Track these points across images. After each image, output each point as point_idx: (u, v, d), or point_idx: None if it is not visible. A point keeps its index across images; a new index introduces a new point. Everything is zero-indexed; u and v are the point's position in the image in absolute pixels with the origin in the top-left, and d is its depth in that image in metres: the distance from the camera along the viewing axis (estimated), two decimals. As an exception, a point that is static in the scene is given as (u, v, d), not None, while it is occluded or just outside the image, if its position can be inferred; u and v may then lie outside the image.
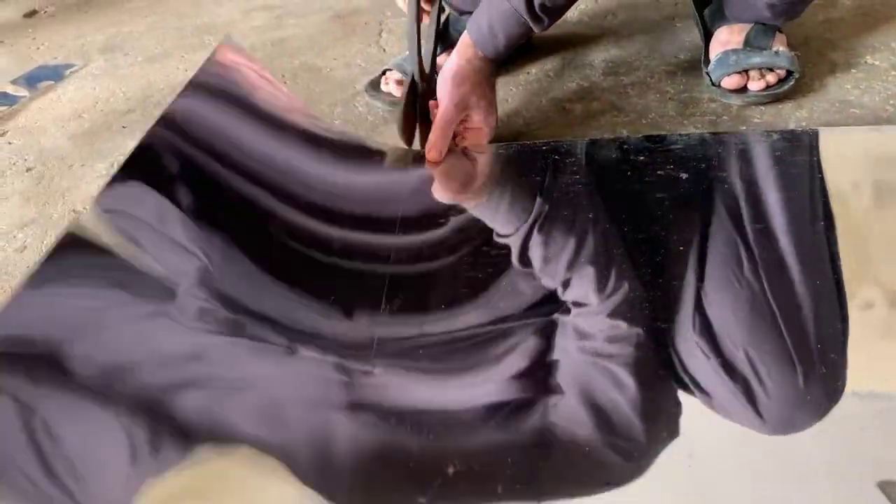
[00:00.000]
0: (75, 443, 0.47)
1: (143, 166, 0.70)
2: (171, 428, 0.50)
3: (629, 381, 0.50)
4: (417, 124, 0.84)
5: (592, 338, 0.55)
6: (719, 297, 0.55)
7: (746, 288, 0.55)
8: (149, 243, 0.66)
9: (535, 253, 0.65)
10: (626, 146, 0.78)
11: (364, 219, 0.73)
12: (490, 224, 0.70)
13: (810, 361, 0.49)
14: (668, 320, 0.55)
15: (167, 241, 0.68)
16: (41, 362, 0.51)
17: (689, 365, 0.51)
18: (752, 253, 0.58)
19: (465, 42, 0.81)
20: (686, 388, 0.49)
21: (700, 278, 0.57)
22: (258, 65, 0.92)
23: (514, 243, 0.66)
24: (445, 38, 0.97)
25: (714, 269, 0.58)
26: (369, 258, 0.68)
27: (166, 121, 0.75)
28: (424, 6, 0.90)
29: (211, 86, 0.81)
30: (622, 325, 0.55)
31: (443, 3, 0.97)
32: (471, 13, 0.82)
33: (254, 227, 0.71)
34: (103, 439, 0.48)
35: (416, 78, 0.83)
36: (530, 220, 0.68)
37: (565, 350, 0.54)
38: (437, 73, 0.84)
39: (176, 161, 0.75)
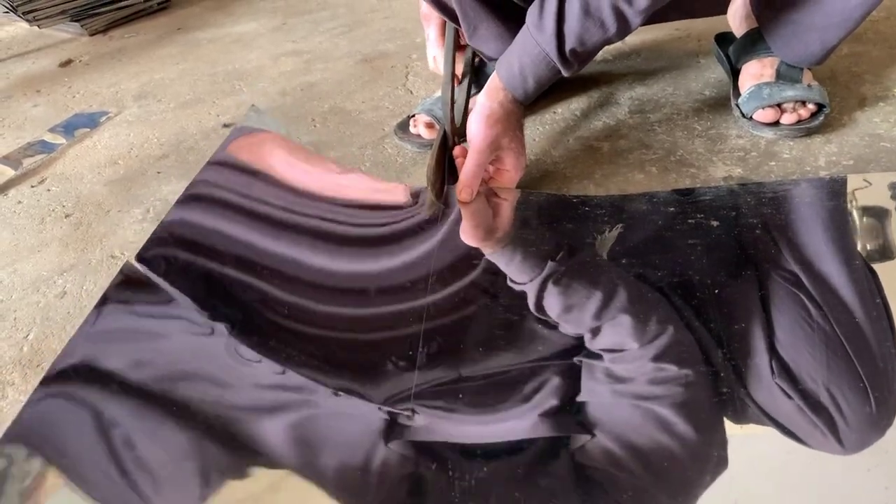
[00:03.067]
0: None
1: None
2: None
3: (676, 419, 0.52)
4: (447, 176, 0.85)
5: (631, 381, 0.56)
6: (793, 341, 0.58)
7: (819, 331, 0.58)
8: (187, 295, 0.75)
9: (552, 302, 0.66)
10: (655, 199, 0.78)
11: (398, 269, 0.75)
12: (505, 270, 0.71)
13: (880, 388, 0.52)
14: (729, 362, 0.57)
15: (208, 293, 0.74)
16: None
17: (768, 405, 0.53)
18: (812, 297, 0.61)
19: (495, 84, 0.82)
20: (762, 424, 0.52)
21: (767, 324, 0.59)
22: (276, 136, 0.98)
23: (530, 291, 0.67)
24: (477, 84, 0.99)
25: (781, 316, 0.60)
26: (405, 300, 0.69)
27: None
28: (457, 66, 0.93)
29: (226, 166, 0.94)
30: (671, 368, 0.56)
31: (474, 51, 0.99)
32: None
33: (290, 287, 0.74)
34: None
35: (448, 131, 0.85)
36: (546, 272, 0.69)
37: (595, 392, 0.56)
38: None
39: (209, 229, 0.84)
